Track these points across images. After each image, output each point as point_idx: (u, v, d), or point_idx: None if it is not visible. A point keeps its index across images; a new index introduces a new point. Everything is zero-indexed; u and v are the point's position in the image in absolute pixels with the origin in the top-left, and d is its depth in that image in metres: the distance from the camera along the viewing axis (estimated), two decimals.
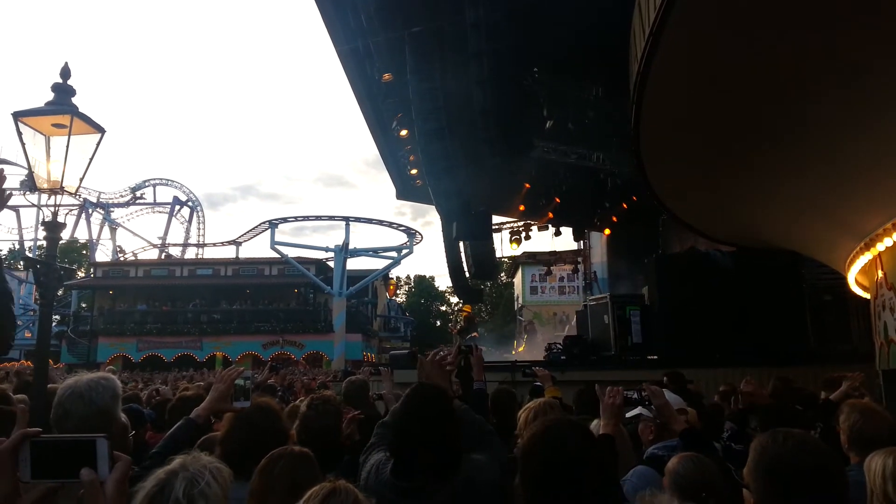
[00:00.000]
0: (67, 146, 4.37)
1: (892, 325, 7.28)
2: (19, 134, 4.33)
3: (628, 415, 3.36)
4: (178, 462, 1.67)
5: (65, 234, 4.50)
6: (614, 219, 19.88)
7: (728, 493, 2.26)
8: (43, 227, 4.40)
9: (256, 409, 2.98)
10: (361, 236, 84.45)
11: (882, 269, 7.56)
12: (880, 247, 7.28)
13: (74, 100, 4.48)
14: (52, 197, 4.45)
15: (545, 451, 1.99)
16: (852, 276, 8.92)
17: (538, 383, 5.65)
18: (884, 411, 3.08)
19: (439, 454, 2.46)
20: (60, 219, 4.45)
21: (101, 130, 4.57)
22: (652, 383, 3.34)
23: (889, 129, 5.69)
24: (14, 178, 44.94)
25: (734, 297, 11.01)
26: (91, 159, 4.56)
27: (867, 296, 8.84)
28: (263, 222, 44.74)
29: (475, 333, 22.90)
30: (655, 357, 11.48)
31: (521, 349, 31.39)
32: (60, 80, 4.48)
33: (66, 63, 4.55)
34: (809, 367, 9.58)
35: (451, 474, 2.46)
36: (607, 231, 21.50)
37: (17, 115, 4.34)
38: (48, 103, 4.41)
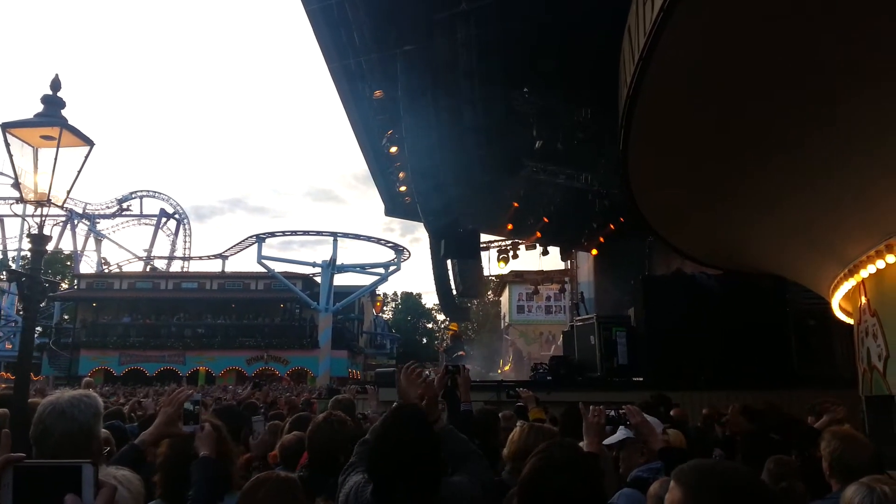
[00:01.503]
0: (56, 158, 4.35)
1: (875, 352, 7.34)
2: (7, 145, 4.31)
3: (611, 441, 3.35)
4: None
5: (49, 246, 4.46)
6: (602, 239, 19.99)
7: None
8: (28, 240, 4.36)
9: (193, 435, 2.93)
10: (349, 252, 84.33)
11: (865, 296, 7.63)
12: (864, 273, 7.35)
13: (64, 112, 4.47)
14: (39, 209, 4.42)
15: (542, 490, 2.01)
16: (836, 301, 9.00)
17: (520, 403, 5.65)
18: (864, 438, 3.10)
19: (418, 476, 2.47)
20: (46, 230, 4.42)
21: (89, 143, 4.54)
22: (637, 405, 3.35)
23: (874, 157, 5.78)
24: (2, 188, 44.56)
25: (719, 320, 11.06)
26: (79, 172, 4.53)
27: (850, 321, 8.92)
28: (250, 236, 44.70)
29: (462, 352, 22.87)
30: (641, 379, 11.50)
31: (506, 368, 31.34)
32: (50, 92, 4.46)
33: (57, 75, 4.54)
34: (793, 390, 9.62)
35: (430, 495, 2.47)
36: (595, 251, 21.60)
37: (6, 126, 4.32)
38: (37, 115, 4.39)
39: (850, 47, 4.85)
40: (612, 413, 3.13)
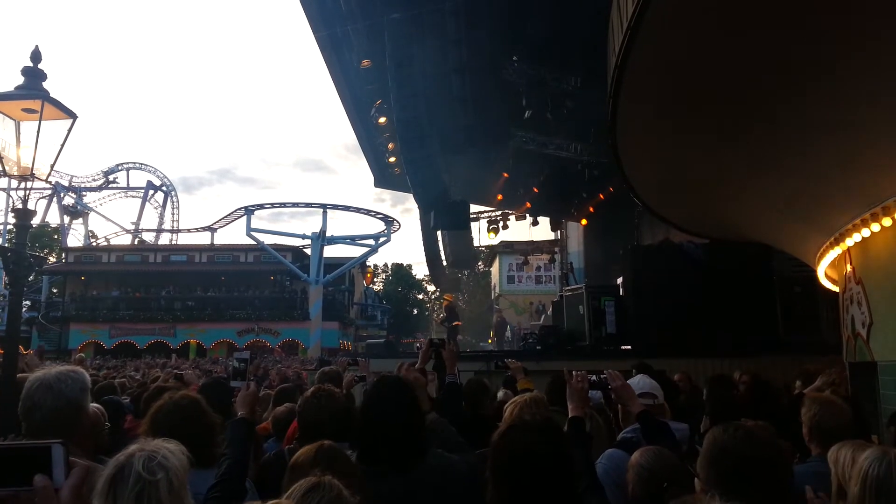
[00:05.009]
0: (38, 132, 4.30)
1: (859, 319, 7.42)
2: None
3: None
4: (133, 447, 1.68)
5: (35, 219, 4.43)
6: (591, 209, 20.05)
7: (688, 482, 2.30)
8: (13, 214, 4.33)
9: (176, 404, 2.89)
10: (339, 223, 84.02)
11: (851, 264, 7.69)
12: (849, 242, 7.39)
13: (45, 84, 4.41)
14: (22, 183, 4.37)
15: (510, 447, 2.07)
16: (822, 269, 9.07)
17: (510, 373, 5.70)
18: (843, 404, 3.14)
19: (400, 442, 2.59)
20: (31, 204, 4.39)
21: (72, 116, 4.49)
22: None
23: (859, 126, 5.79)
24: None
25: (707, 289, 11.16)
26: (62, 145, 4.49)
27: (836, 289, 9.01)
28: (239, 208, 44.34)
29: (457, 322, 22.77)
30: (629, 347, 11.62)
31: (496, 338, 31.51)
32: (31, 64, 4.39)
33: (37, 46, 4.47)
34: (779, 357, 9.77)
35: (414, 461, 2.59)
36: (584, 221, 21.65)
37: None
38: (18, 87, 4.33)
39: (834, 16, 4.83)
40: (594, 378, 3.17)
